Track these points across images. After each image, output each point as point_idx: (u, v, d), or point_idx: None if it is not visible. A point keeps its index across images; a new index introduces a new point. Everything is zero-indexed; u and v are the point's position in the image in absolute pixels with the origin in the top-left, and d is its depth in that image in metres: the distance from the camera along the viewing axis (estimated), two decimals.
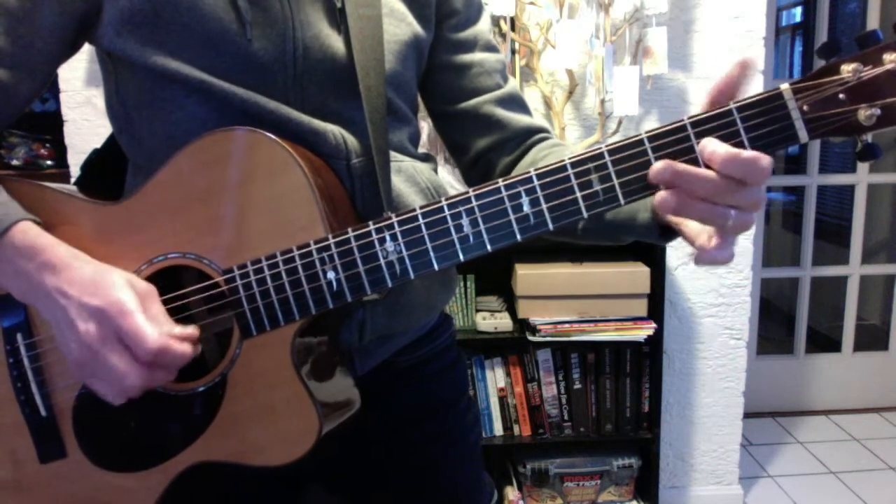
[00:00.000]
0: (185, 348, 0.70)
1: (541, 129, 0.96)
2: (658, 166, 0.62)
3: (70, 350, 0.69)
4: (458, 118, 0.95)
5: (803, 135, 0.61)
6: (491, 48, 0.96)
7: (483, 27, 0.96)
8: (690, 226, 0.68)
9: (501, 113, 0.94)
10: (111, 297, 0.68)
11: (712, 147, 0.61)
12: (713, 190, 0.61)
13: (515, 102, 0.96)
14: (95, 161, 0.92)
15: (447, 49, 0.93)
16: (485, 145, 0.94)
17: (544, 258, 2.08)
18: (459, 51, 0.93)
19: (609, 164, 0.65)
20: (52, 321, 0.70)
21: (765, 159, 0.61)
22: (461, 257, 0.69)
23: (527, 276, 2.03)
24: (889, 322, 3.18)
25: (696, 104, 2.19)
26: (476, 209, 0.68)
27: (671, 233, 0.76)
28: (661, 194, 0.62)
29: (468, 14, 0.94)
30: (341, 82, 0.80)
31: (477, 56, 0.94)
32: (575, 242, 0.88)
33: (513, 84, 0.97)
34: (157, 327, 0.68)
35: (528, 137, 0.95)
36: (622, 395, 2.13)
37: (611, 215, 0.79)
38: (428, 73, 0.94)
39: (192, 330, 0.71)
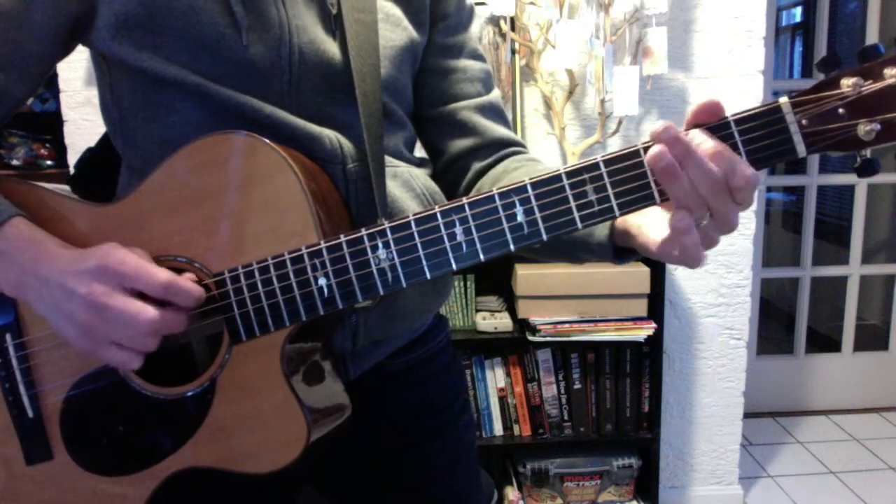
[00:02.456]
0: (193, 287, 0.70)
1: (517, 143, 0.96)
2: (660, 126, 0.61)
3: (75, 322, 0.68)
4: (435, 121, 0.95)
5: (801, 149, 0.60)
6: (477, 56, 0.96)
7: (472, 34, 0.96)
8: (650, 230, 0.68)
9: (478, 119, 0.94)
10: (106, 255, 0.68)
11: (701, 139, 0.60)
12: (702, 173, 0.60)
13: (494, 112, 0.96)
14: (89, 160, 0.93)
15: (434, 52, 0.93)
16: (459, 150, 0.94)
17: None
18: (446, 55, 0.93)
19: (605, 175, 0.64)
20: (48, 308, 0.70)
21: (750, 171, 0.60)
22: (454, 266, 0.69)
23: (527, 276, 2.03)
24: (889, 322, 3.17)
25: (696, 104, 2.18)
26: (469, 217, 0.68)
27: (626, 254, 0.76)
28: (658, 149, 0.60)
29: (459, 19, 0.94)
30: (337, 87, 0.80)
31: (461, 62, 0.94)
32: (533, 258, 0.87)
33: (495, 94, 0.97)
34: (160, 268, 0.69)
35: (502, 147, 0.95)
36: (622, 395, 2.13)
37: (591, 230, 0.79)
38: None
39: (190, 276, 0.71)
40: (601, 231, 0.77)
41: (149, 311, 0.67)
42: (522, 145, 0.97)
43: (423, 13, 0.89)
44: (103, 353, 0.70)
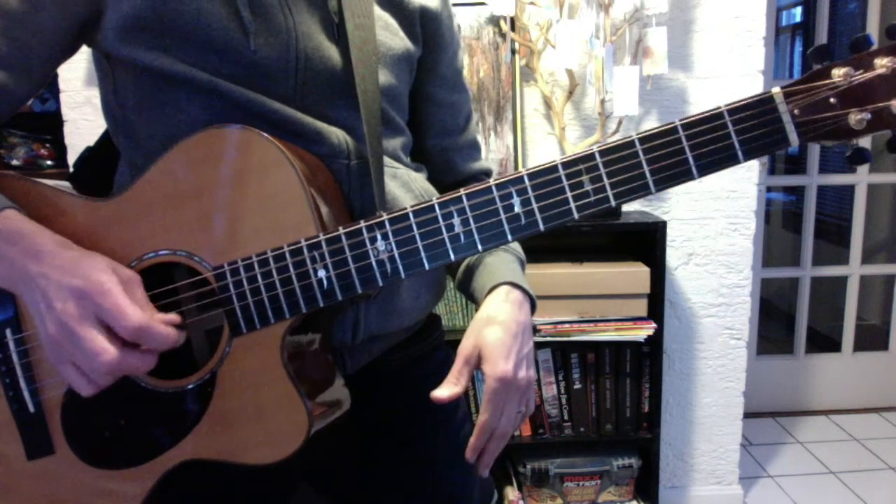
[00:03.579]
0: (168, 330, 0.69)
1: (486, 172, 1.05)
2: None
3: (46, 331, 0.68)
4: (423, 151, 1.00)
5: (794, 138, 0.61)
6: (465, 88, 1.02)
7: (462, 61, 1.02)
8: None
9: (459, 161, 1.03)
10: (92, 277, 0.67)
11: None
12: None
13: (471, 147, 1.04)
14: (88, 158, 0.93)
15: (434, 79, 0.97)
16: (438, 183, 1.00)
17: (544, 258, 2.08)
18: (445, 87, 0.98)
19: (600, 165, 0.65)
20: (31, 306, 0.70)
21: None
22: (452, 257, 0.69)
23: (527, 275, 2.02)
24: (889, 322, 3.17)
25: (696, 104, 2.19)
26: (467, 209, 0.69)
27: None
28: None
29: (453, 44, 0.98)
30: (339, 91, 0.82)
31: (455, 97, 1.00)
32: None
33: (473, 127, 1.05)
34: (138, 308, 0.68)
35: (472, 180, 1.04)
36: (622, 395, 2.13)
37: (474, 285, 0.94)
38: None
39: (173, 316, 0.71)
40: (479, 298, 0.91)
41: (109, 354, 0.66)
42: (490, 172, 1.07)
43: (415, 27, 0.91)
44: (62, 370, 0.70)
